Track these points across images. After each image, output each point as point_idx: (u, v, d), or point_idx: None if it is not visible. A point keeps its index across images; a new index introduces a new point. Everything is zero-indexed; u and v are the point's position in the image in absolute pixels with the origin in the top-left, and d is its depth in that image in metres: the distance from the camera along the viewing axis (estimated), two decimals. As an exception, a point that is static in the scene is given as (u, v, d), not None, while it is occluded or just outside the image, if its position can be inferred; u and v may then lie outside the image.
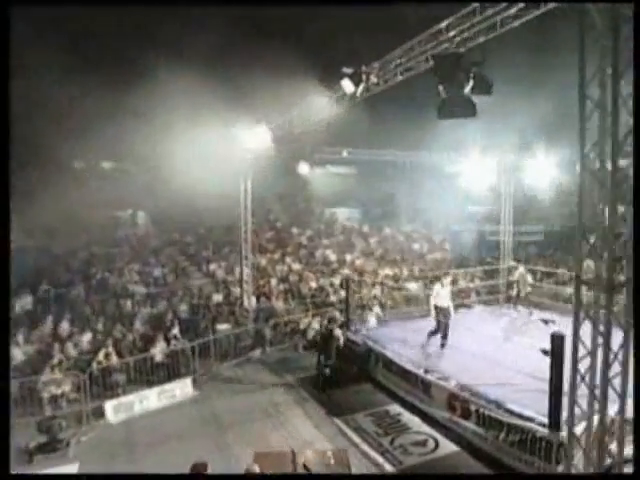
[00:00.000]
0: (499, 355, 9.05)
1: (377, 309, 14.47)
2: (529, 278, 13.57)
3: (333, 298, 16.70)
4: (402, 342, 10.17)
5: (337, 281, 18.56)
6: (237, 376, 10.81)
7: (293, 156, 14.79)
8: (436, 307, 9.74)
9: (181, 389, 9.68)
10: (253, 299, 15.22)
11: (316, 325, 13.72)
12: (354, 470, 5.98)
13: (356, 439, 7.80)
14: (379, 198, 31.26)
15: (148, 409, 9.01)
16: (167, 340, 10.77)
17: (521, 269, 13.57)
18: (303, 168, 16.36)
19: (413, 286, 18.71)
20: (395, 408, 8.90)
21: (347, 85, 6.06)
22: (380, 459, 7.18)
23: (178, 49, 14.70)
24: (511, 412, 6.77)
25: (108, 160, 21.31)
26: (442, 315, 9.71)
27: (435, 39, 5.21)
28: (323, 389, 9.69)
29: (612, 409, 6.27)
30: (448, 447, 7.44)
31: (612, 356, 5.01)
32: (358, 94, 6.19)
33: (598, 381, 5.10)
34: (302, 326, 13.93)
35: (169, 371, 10.08)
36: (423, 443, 7.63)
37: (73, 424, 8.23)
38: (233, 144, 11.66)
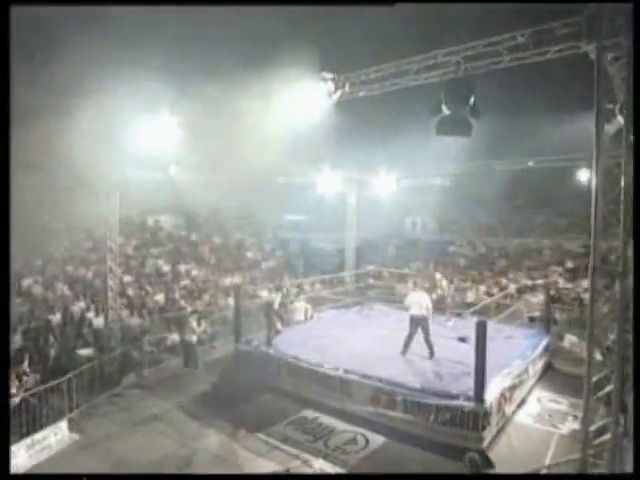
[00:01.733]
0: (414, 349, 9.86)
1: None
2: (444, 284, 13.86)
3: (189, 309, 15.64)
4: (302, 346, 10.25)
5: (178, 294, 17.45)
6: (121, 407, 9.19)
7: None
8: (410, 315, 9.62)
9: (56, 436, 7.74)
10: (102, 318, 13.16)
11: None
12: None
13: (292, 450, 7.62)
14: (205, 206, 30.35)
15: (18, 470, 6.96)
16: (19, 378, 8.44)
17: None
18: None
19: (265, 294, 18.89)
20: (310, 413, 8.96)
21: (323, 88, 5.98)
22: (327, 464, 7.18)
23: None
24: (438, 394, 7.65)
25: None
26: (416, 324, 9.51)
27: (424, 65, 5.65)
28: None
29: (505, 382, 7.86)
30: (378, 440, 7.92)
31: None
32: (335, 98, 6.17)
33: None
34: (169, 342, 12.69)
35: (34, 416, 7.91)
36: (354, 441, 7.94)
37: None
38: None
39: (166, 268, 21.88)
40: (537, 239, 25.10)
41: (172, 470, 7.10)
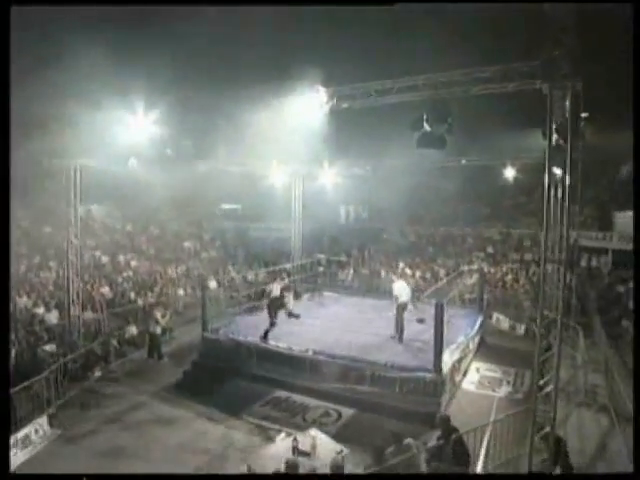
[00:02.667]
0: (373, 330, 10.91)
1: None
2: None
3: (140, 302, 15.54)
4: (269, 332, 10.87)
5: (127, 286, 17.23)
6: (97, 401, 9.27)
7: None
8: (398, 303, 10.61)
9: (37, 433, 7.77)
10: (54, 313, 12.84)
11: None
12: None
13: (274, 426, 8.31)
14: (136, 194, 29.34)
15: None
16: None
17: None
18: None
19: (213, 284, 19.10)
20: (281, 393, 9.67)
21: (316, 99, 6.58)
22: (316, 431, 7.89)
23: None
24: (402, 368, 8.74)
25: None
26: (402, 309, 10.52)
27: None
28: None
29: (454, 356, 9.13)
30: (348, 412, 8.84)
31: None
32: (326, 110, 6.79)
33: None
34: (127, 335, 12.71)
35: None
36: (327, 414, 8.81)
37: None
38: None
39: (105, 259, 21.29)
40: (461, 227, 27.36)
41: (158, 456, 7.49)
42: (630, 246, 20.65)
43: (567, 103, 5.65)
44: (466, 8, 10.15)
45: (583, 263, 22.00)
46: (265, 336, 10.48)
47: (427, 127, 6.73)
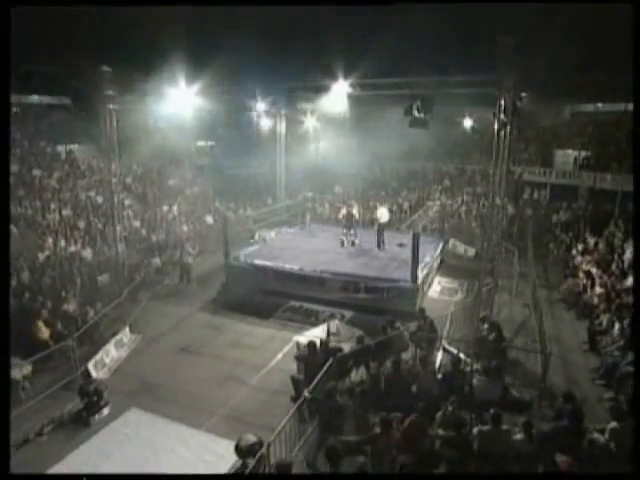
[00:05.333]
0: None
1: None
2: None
3: (154, 238, 17.81)
4: (279, 257, 13.76)
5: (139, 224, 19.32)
6: (155, 314, 12.05)
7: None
8: (379, 223, 14.67)
9: (127, 337, 10.55)
10: (89, 250, 15.09)
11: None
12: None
13: (296, 325, 11.42)
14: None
15: (113, 360, 9.78)
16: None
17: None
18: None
19: (209, 220, 21.46)
20: (295, 303, 12.77)
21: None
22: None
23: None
24: (386, 279, 11.95)
25: None
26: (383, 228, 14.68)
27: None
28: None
29: (423, 272, 12.33)
30: (349, 313, 12.05)
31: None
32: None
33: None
34: (153, 266, 15.22)
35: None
36: (333, 316, 11.98)
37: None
38: None
39: (100, 199, 22.75)
40: (421, 163, 30.13)
41: (216, 351, 10.32)
42: (565, 181, 24.45)
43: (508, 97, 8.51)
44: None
45: (526, 196, 25.56)
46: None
47: (417, 113, 9.36)
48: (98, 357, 9.33)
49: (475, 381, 7.19)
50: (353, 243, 15.13)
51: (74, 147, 27.34)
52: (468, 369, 7.57)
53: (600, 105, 29.16)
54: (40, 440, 7.33)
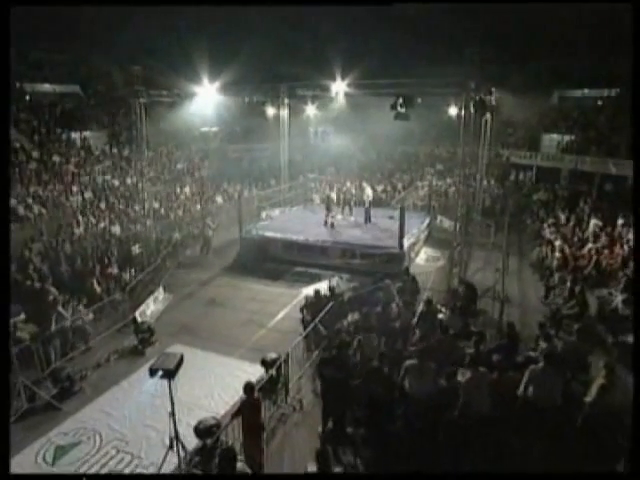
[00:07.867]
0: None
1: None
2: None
3: (172, 215, 19.85)
4: (288, 230, 15.89)
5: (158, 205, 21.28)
6: (184, 278, 14.25)
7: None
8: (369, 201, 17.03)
9: (162, 295, 12.70)
10: (117, 226, 17.13)
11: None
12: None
13: (303, 284, 13.56)
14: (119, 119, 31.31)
15: (153, 312, 11.94)
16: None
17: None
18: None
19: (219, 200, 23.45)
20: (301, 269, 14.91)
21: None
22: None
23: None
24: (377, 247, 14.10)
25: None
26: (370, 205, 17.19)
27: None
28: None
29: (410, 241, 14.42)
30: (346, 277, 14.15)
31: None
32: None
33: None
34: (173, 240, 17.27)
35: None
36: (333, 278, 14.11)
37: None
38: None
39: (116, 182, 24.64)
40: (414, 146, 31.88)
41: (237, 304, 12.49)
42: (549, 163, 26.18)
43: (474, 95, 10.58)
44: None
45: (512, 177, 27.34)
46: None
47: (400, 108, 11.39)
48: (141, 309, 11.45)
49: (442, 316, 9.34)
50: (332, 225, 16.89)
51: (87, 134, 28.95)
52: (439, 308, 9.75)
53: (586, 91, 30.65)
54: (108, 365, 9.50)
